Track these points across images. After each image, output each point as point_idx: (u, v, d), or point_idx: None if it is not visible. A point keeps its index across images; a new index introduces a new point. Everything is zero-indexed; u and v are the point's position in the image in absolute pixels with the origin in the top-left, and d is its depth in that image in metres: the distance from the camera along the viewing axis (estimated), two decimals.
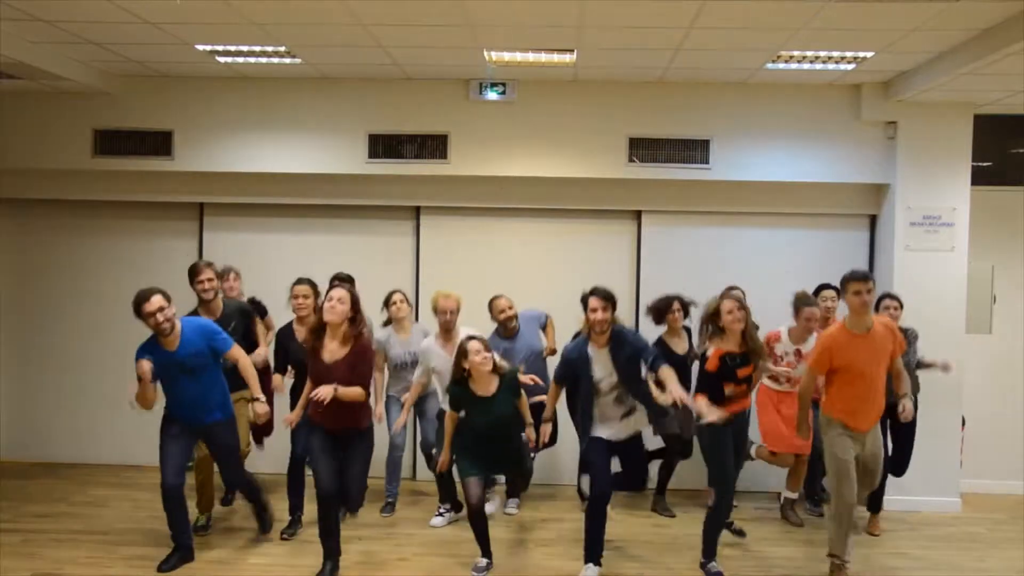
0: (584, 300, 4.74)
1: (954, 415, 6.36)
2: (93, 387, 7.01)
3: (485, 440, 4.81)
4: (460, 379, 4.75)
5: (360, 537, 5.36)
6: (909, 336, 5.68)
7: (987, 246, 6.65)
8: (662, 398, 4.65)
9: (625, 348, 4.74)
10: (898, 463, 5.81)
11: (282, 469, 5.50)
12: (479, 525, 4.84)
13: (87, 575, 4.74)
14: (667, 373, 4.62)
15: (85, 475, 6.70)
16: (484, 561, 4.87)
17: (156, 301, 4.51)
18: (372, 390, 4.86)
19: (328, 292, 4.65)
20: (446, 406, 5.09)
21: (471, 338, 4.76)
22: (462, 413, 4.86)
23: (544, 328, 6.07)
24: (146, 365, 4.51)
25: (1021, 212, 6.80)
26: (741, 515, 5.83)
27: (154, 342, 4.62)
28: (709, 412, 4.64)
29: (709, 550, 4.88)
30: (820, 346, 4.72)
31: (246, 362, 4.84)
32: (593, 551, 4.79)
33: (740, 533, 5.30)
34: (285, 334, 5.38)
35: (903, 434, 5.73)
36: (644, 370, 4.79)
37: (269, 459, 6.30)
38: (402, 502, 6.10)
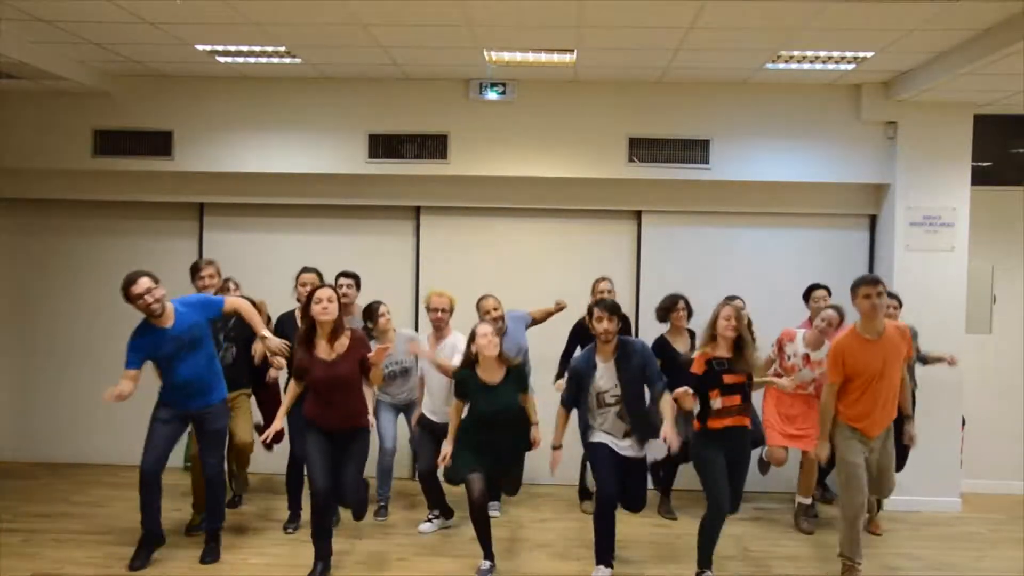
0: (589, 311, 4.97)
1: (954, 415, 6.37)
2: (93, 387, 6.90)
3: (486, 430, 4.78)
4: (468, 363, 4.78)
5: (360, 537, 5.37)
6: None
7: (987, 246, 6.65)
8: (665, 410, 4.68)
9: (633, 359, 4.74)
10: (898, 457, 5.78)
11: (280, 470, 5.51)
12: (481, 523, 4.78)
13: (87, 575, 4.74)
14: (665, 407, 4.68)
15: (85, 475, 6.70)
16: (487, 564, 4.82)
17: (143, 283, 4.49)
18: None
19: (315, 293, 4.56)
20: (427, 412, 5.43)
21: (482, 322, 4.85)
22: (466, 409, 4.86)
23: (529, 325, 6.04)
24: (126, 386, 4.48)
25: (1021, 212, 6.81)
26: (742, 515, 5.80)
27: (147, 324, 4.61)
28: (684, 396, 4.56)
29: (703, 559, 4.79)
30: (832, 354, 4.61)
31: (243, 305, 4.78)
32: (603, 553, 4.78)
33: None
34: (287, 320, 5.41)
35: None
36: (648, 393, 4.81)
37: (273, 460, 6.30)
38: (401, 503, 6.11)
